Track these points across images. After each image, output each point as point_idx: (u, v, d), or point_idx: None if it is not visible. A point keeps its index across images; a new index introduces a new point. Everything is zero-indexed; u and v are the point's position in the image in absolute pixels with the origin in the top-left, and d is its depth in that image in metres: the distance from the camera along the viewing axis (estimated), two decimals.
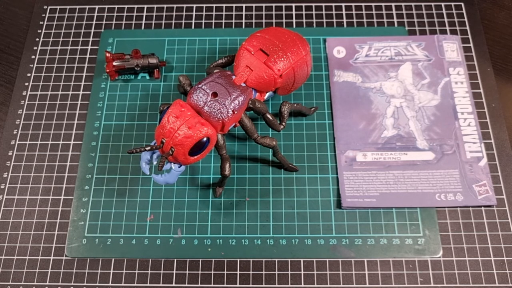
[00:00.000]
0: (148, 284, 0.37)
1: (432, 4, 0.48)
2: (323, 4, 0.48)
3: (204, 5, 0.48)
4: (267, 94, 0.39)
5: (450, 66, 0.44)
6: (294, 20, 0.47)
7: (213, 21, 0.47)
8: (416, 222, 0.38)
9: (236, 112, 0.34)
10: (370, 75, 0.44)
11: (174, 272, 0.37)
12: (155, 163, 0.34)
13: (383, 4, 0.48)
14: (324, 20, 0.47)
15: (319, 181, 0.40)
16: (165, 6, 0.48)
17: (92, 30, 0.47)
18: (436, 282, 0.36)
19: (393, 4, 0.48)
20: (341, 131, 0.41)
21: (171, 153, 0.32)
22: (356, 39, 0.45)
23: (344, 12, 0.48)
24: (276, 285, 0.36)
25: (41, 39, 0.47)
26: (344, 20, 0.47)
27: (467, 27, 0.46)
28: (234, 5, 0.48)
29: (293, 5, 0.48)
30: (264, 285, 0.36)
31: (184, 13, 0.48)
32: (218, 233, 0.38)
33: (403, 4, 0.48)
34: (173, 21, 0.47)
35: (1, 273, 0.37)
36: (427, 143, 0.41)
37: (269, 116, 0.37)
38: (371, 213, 0.39)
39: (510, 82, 0.44)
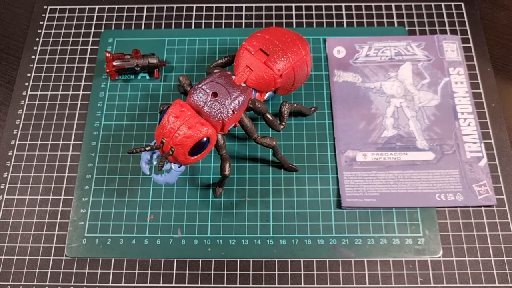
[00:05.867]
0: (148, 284, 0.37)
1: (432, 4, 0.48)
2: (323, 4, 0.48)
3: (204, 5, 0.48)
4: (267, 94, 0.39)
5: (450, 66, 0.44)
6: (294, 20, 0.47)
7: (213, 21, 0.47)
8: (416, 222, 0.38)
9: (236, 112, 0.34)
10: (370, 75, 0.44)
11: (174, 272, 0.37)
12: (155, 163, 0.35)
13: (383, 4, 0.48)
14: (324, 20, 0.47)
15: (319, 181, 0.40)
16: (165, 6, 0.48)
17: (92, 30, 0.47)
18: (436, 282, 0.36)
19: (393, 4, 0.48)
20: (341, 131, 0.41)
21: (171, 153, 0.32)
22: (356, 39, 0.45)
23: (344, 12, 0.48)
24: (276, 285, 0.36)
25: (41, 39, 0.47)
26: (344, 20, 0.47)
27: (467, 27, 0.46)
28: (234, 5, 0.48)
29: (293, 5, 0.48)
30: (264, 285, 0.36)
31: (184, 13, 0.48)
32: (218, 233, 0.38)
33: (403, 4, 0.48)
34: (173, 21, 0.47)
35: (1, 273, 0.37)
36: (427, 143, 0.41)
37: (269, 116, 0.37)
38: (371, 213, 0.39)
39: (510, 82, 0.44)
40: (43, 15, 0.48)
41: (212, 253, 0.37)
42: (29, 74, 0.45)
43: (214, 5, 0.48)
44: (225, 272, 0.37)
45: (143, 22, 0.47)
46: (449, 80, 0.43)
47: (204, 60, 0.45)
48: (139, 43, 0.46)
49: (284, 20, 0.47)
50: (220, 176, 0.40)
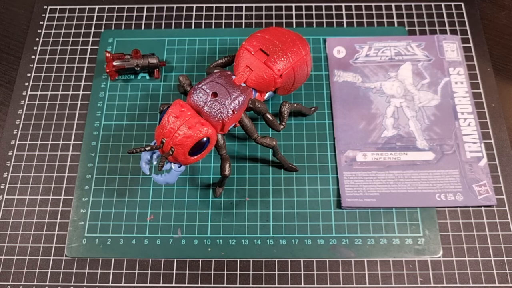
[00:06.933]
0: (148, 284, 0.37)
1: (432, 4, 0.48)
2: (323, 4, 0.48)
3: (204, 5, 0.48)
4: (267, 94, 0.39)
5: (450, 66, 0.44)
6: (294, 20, 0.47)
7: (213, 21, 0.47)
8: (416, 222, 0.38)
9: (236, 112, 0.34)
10: (370, 75, 0.44)
11: (174, 272, 0.37)
12: (155, 163, 0.35)
13: (383, 4, 0.48)
14: (324, 20, 0.47)
15: (319, 181, 0.40)
16: (165, 6, 0.48)
17: (92, 30, 0.47)
18: (436, 282, 0.36)
19: (393, 4, 0.48)
20: (341, 131, 0.41)
21: (171, 153, 0.32)
22: (356, 39, 0.45)
23: (344, 12, 0.48)
24: (276, 285, 0.36)
25: (41, 39, 0.47)
26: (344, 20, 0.47)
27: (467, 27, 0.46)
28: (234, 5, 0.48)
29: (293, 5, 0.48)
30: (264, 285, 0.36)
31: (184, 13, 0.48)
32: (218, 233, 0.38)
33: (403, 4, 0.48)
34: (173, 21, 0.47)
35: (1, 273, 0.37)
36: (427, 143, 0.41)
37: (269, 116, 0.37)
38: (371, 213, 0.39)
39: (510, 82, 0.44)
40: (43, 15, 0.48)
41: (212, 253, 0.37)
42: (29, 74, 0.45)
43: (214, 5, 0.48)
44: (225, 272, 0.37)
45: (143, 22, 0.47)
46: (449, 80, 0.43)
47: (204, 60, 0.45)
48: (139, 43, 0.46)
49: (284, 20, 0.47)
50: (220, 176, 0.40)
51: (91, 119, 0.43)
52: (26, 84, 0.44)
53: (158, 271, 0.37)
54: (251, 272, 0.37)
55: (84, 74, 0.45)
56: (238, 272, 0.37)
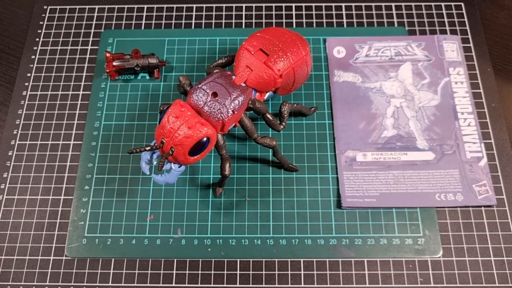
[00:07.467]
0: (148, 284, 0.37)
1: (432, 4, 0.48)
2: (323, 4, 0.48)
3: (204, 5, 0.48)
4: (267, 94, 0.39)
5: (450, 66, 0.44)
6: (294, 20, 0.47)
7: (213, 21, 0.47)
8: (416, 222, 0.38)
9: (236, 112, 0.34)
10: (370, 75, 0.44)
11: (174, 272, 0.37)
12: (155, 163, 0.35)
13: (383, 4, 0.48)
14: (324, 20, 0.47)
15: (319, 181, 0.40)
16: (165, 6, 0.48)
17: (92, 30, 0.47)
18: (436, 282, 0.36)
19: (393, 4, 0.48)
20: (341, 131, 0.41)
21: (171, 153, 0.32)
22: (356, 39, 0.45)
23: (344, 12, 0.48)
24: (276, 285, 0.36)
25: (41, 39, 0.47)
26: (344, 20, 0.47)
27: (467, 27, 0.46)
28: (234, 5, 0.48)
29: (293, 5, 0.48)
30: (264, 285, 0.36)
31: (184, 13, 0.48)
32: (218, 233, 0.38)
33: (403, 4, 0.48)
34: (173, 21, 0.47)
35: (1, 273, 0.37)
36: (427, 143, 0.41)
37: (269, 116, 0.37)
38: (371, 213, 0.39)
39: (510, 82, 0.44)
40: (43, 15, 0.48)
41: (212, 253, 0.37)
42: (29, 74, 0.45)
43: (214, 5, 0.48)
44: (225, 272, 0.37)
45: (143, 22, 0.47)
46: (449, 80, 0.43)
47: (204, 60, 0.45)
48: (139, 43, 0.46)
49: (284, 20, 0.47)
50: (220, 176, 0.40)
51: (91, 119, 0.43)
52: (26, 84, 0.44)
53: (158, 271, 0.37)
54: (251, 272, 0.37)
55: (84, 74, 0.45)
56: (238, 272, 0.37)
